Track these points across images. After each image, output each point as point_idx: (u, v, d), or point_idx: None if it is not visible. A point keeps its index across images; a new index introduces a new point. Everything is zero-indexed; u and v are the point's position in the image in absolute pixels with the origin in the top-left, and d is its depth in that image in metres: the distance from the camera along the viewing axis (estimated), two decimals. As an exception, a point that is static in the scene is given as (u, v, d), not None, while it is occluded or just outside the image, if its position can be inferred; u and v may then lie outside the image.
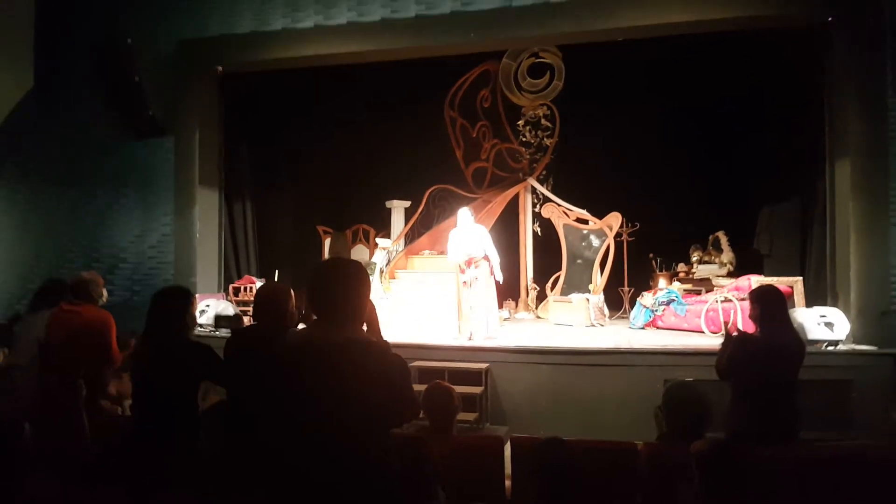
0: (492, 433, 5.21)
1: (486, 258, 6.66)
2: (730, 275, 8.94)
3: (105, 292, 4.32)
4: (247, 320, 6.54)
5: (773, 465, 2.47)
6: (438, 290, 7.42)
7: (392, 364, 1.74)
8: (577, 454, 2.34)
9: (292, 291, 3.15)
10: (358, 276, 1.84)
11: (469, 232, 6.69)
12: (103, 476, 3.05)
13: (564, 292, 9.14)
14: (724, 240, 9.40)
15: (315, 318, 1.81)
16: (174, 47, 8.06)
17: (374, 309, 2.08)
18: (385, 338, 2.06)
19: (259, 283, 8.30)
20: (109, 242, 8.24)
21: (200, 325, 7.16)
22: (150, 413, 3.02)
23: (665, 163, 9.28)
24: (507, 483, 2.73)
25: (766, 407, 3.37)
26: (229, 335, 3.40)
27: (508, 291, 9.90)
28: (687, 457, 2.41)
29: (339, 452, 1.64)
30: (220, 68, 8.22)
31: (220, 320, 3.56)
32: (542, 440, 2.30)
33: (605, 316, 8.63)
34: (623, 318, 8.93)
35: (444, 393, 2.93)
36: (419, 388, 4.93)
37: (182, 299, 3.18)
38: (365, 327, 2.01)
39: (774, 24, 6.99)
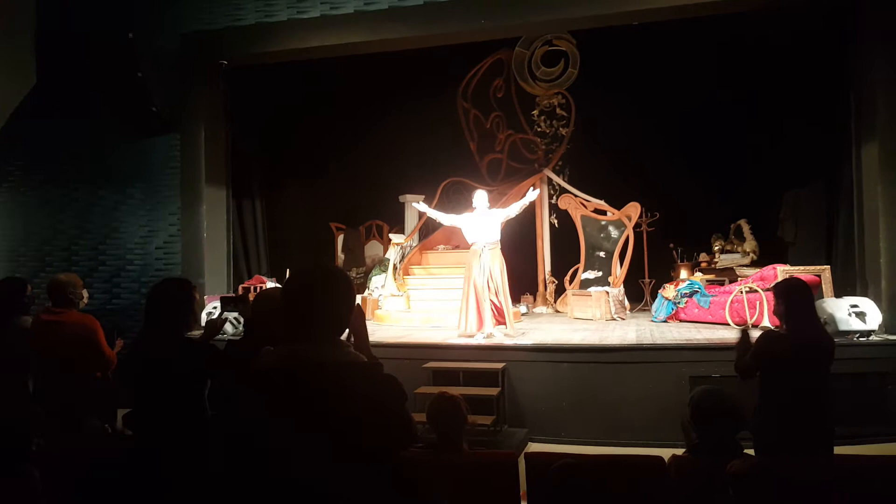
0: (509, 438, 5.00)
1: (499, 244, 6.44)
2: (753, 264, 8.65)
3: (85, 294, 4.06)
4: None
5: (819, 485, 2.23)
6: (454, 286, 7.20)
7: (383, 386, 1.52)
8: (598, 472, 2.12)
9: None
10: (336, 285, 1.60)
11: (485, 215, 6.45)
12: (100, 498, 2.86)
13: (583, 285, 8.88)
14: (746, 228, 9.11)
15: (292, 334, 1.58)
16: (176, 41, 7.87)
17: (363, 319, 1.85)
18: (373, 355, 1.84)
19: (270, 284, 8.15)
20: (116, 244, 8.06)
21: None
22: (154, 421, 2.81)
23: (684, 150, 8.98)
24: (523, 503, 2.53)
25: (799, 413, 3.10)
26: (227, 342, 3.21)
27: (526, 285, 9.68)
28: (720, 472, 2.18)
29: (324, 488, 1.43)
30: (224, 62, 8.04)
31: (226, 302, 3.31)
32: (557, 464, 2.08)
33: (625, 309, 8.36)
34: (644, 310, 8.66)
35: (450, 405, 2.72)
36: (432, 390, 4.76)
37: (183, 292, 2.90)
38: (352, 339, 1.79)
39: (793, 3, 6.66)
